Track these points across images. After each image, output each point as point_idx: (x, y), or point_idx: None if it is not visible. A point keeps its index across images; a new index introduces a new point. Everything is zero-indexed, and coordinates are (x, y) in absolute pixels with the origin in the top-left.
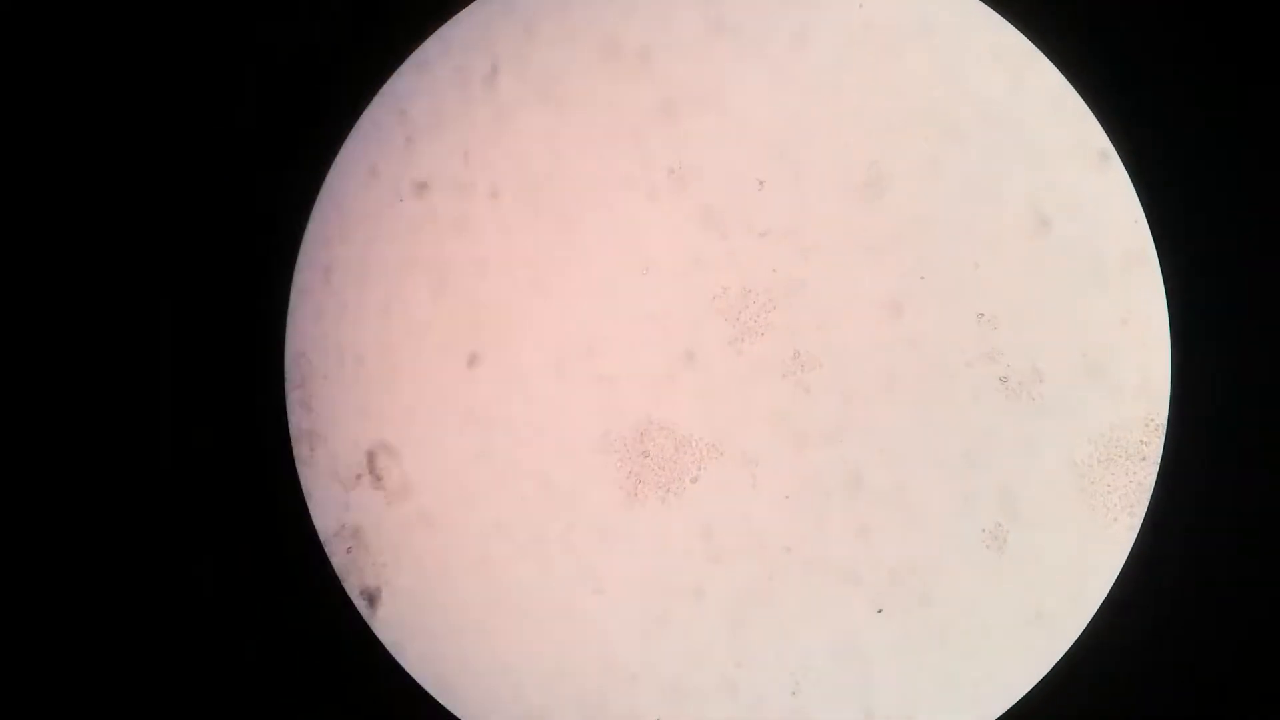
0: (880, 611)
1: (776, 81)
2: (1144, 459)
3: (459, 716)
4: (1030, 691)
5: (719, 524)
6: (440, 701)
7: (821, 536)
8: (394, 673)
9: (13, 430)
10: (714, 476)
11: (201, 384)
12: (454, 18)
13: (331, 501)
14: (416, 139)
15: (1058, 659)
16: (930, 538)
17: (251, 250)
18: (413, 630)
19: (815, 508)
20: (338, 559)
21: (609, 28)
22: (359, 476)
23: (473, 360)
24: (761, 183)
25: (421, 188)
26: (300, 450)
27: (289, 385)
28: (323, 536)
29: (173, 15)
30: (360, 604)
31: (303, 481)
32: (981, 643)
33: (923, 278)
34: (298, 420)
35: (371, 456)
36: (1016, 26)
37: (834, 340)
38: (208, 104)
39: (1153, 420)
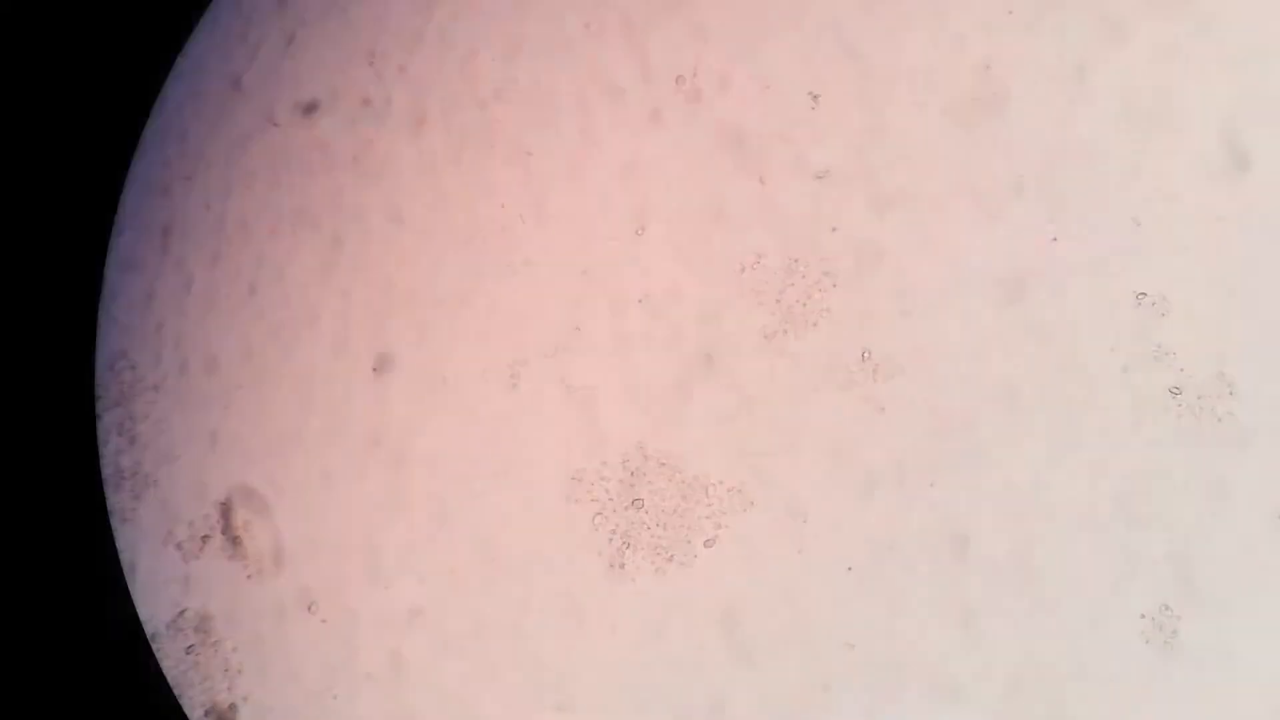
0: None
1: None
2: None
3: None
4: None
5: (747, 609)
6: None
7: (902, 628)
8: None
9: None
10: (739, 537)
11: None
12: None
13: (165, 576)
14: (303, 36)
15: None
16: (1065, 629)
17: (51, 205)
18: None
19: (893, 584)
20: (173, 663)
21: None
22: (206, 538)
23: (381, 364)
24: (816, 97)
25: (308, 108)
26: (119, 499)
27: (101, 403)
28: (150, 630)
29: None
30: None
31: (121, 546)
32: None
33: (1055, 239)
34: (115, 455)
35: (226, 509)
36: None
37: (922, 334)
38: None
39: None
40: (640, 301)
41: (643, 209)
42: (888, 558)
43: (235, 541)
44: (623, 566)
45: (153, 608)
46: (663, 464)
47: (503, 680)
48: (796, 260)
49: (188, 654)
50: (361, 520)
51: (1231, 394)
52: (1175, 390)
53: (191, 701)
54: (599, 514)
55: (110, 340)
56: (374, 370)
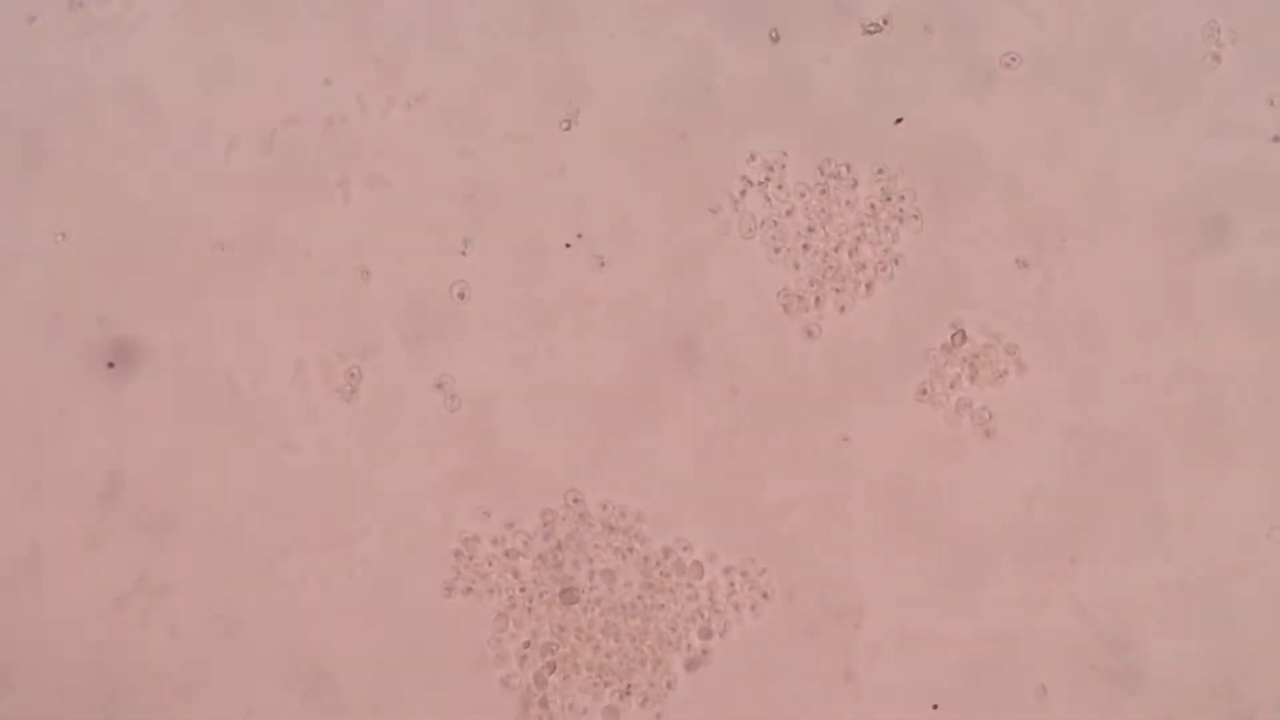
0: None
1: None
2: None
3: None
4: None
5: None
6: None
7: None
8: None
9: None
10: (743, 650)
11: None
12: None
13: None
14: None
15: None
16: None
17: None
18: None
19: None
20: None
21: None
22: None
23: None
24: None
25: None
26: None
27: None
28: None
29: None
30: None
31: None
32: None
33: None
34: None
35: None
36: None
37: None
38: None
39: None
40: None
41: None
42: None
43: None
44: (543, 707)
45: None
46: (613, 526)
47: None
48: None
49: None
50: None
51: None
52: None
53: None
54: (507, 610)
55: None
56: (109, 368)
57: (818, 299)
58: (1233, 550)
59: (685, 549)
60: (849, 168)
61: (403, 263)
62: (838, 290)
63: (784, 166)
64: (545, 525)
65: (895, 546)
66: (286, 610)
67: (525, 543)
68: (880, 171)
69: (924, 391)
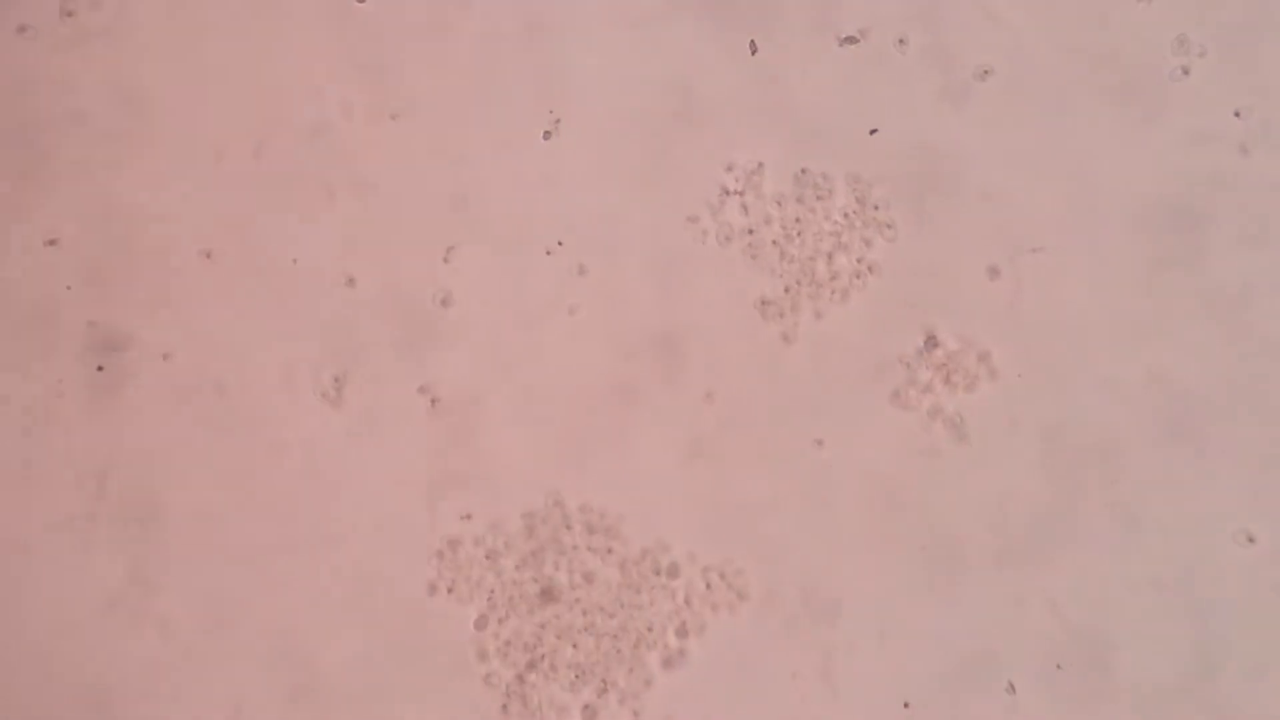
0: None
1: None
2: None
3: None
4: None
5: None
6: None
7: None
8: None
9: None
10: (719, 649)
11: None
12: None
13: None
14: None
15: None
16: None
17: None
18: None
19: None
20: None
21: None
22: None
23: (110, 363)
24: None
25: None
26: None
27: None
28: None
29: None
30: None
31: None
32: None
33: None
34: None
35: None
36: None
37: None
38: None
39: None
40: (544, 257)
41: (558, 105)
42: (965, 683)
43: None
44: (525, 706)
45: None
46: (594, 528)
47: None
48: (806, 175)
49: None
50: (80, 624)
51: None
52: None
53: None
54: (483, 612)
55: None
56: (97, 370)
57: (794, 305)
58: (1203, 550)
59: (664, 550)
60: (825, 177)
61: (388, 269)
62: (813, 297)
63: (761, 176)
64: (526, 527)
65: (870, 548)
66: (274, 608)
67: (506, 544)
68: (856, 181)
69: (898, 396)
